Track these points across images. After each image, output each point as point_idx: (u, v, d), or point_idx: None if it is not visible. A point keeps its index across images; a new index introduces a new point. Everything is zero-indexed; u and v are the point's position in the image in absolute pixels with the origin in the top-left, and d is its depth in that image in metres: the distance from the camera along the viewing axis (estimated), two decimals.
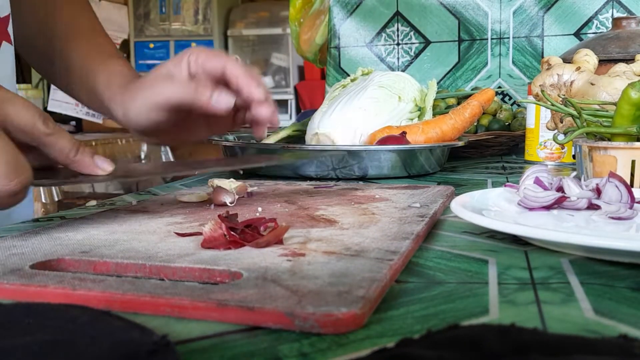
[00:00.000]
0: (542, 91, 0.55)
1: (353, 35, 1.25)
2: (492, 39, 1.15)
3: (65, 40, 0.57)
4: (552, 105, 0.55)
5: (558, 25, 1.10)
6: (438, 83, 1.16)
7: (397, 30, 1.22)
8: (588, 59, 0.61)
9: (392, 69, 1.22)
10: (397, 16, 1.22)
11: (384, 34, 1.23)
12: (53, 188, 1.67)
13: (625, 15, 1.03)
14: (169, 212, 0.43)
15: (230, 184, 0.47)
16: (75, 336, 0.19)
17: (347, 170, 0.64)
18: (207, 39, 3.36)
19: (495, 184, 0.61)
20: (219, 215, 0.33)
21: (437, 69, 1.19)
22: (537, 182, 0.43)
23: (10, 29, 0.54)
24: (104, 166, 0.39)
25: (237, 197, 0.46)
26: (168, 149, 2.74)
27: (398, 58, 1.22)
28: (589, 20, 1.08)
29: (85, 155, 0.39)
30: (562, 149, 0.79)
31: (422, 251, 0.34)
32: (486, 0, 1.15)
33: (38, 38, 0.59)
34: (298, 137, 0.83)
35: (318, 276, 0.26)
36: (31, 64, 0.63)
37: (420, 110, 0.76)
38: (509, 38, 1.14)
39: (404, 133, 0.67)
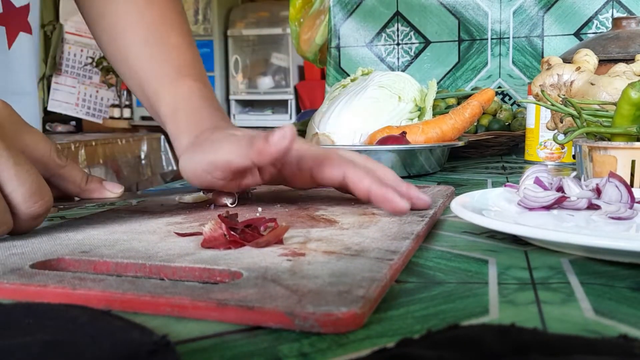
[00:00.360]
0: (542, 91, 0.55)
1: (353, 35, 1.25)
2: (492, 39, 1.15)
3: (126, 42, 0.48)
4: (552, 105, 0.55)
5: (558, 25, 1.10)
6: (438, 83, 1.16)
7: (397, 30, 1.22)
8: (588, 59, 0.61)
9: (392, 69, 1.22)
10: (397, 16, 1.22)
11: (384, 34, 1.23)
12: None
13: (625, 15, 1.03)
14: (169, 212, 0.43)
15: None
16: (75, 336, 0.19)
17: None
18: (207, 39, 3.36)
19: (495, 184, 0.61)
20: (219, 215, 0.33)
21: (437, 69, 1.19)
22: (537, 182, 0.43)
23: (31, 19, 0.51)
24: (114, 190, 0.40)
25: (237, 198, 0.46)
26: (168, 149, 2.74)
27: (398, 58, 1.22)
28: (589, 20, 1.08)
29: (94, 182, 0.40)
30: (562, 149, 0.79)
31: (422, 251, 0.34)
32: (486, 0, 1.15)
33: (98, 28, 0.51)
34: (298, 136, 0.83)
35: (318, 276, 0.26)
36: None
37: (420, 110, 0.76)
38: (509, 38, 1.14)
39: (404, 133, 0.67)
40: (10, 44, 0.51)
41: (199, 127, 0.44)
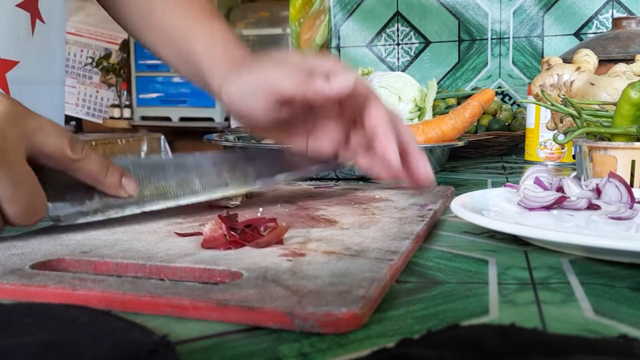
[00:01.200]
0: (542, 91, 0.55)
1: (353, 36, 1.25)
2: (492, 39, 1.15)
3: None
4: (552, 105, 0.55)
5: (558, 25, 1.10)
6: (438, 83, 1.16)
7: (397, 30, 1.22)
8: (588, 59, 0.61)
9: (392, 69, 1.22)
10: (397, 16, 1.22)
11: (384, 34, 1.23)
12: None
13: (625, 15, 1.03)
14: (169, 212, 0.43)
15: None
16: (75, 336, 0.19)
17: (347, 170, 0.64)
18: None
19: (495, 184, 0.61)
20: (219, 215, 0.33)
21: (437, 69, 1.19)
22: (537, 182, 0.43)
23: (43, 7, 0.50)
24: (128, 188, 0.38)
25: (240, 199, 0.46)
26: (168, 149, 2.74)
27: (398, 58, 1.22)
28: (589, 20, 1.08)
29: (113, 176, 0.37)
30: (562, 149, 0.79)
31: (422, 251, 0.34)
32: (486, 1, 1.15)
33: None
34: None
35: (318, 276, 0.26)
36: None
37: (420, 110, 0.76)
38: (509, 38, 1.14)
39: None
40: (32, 31, 0.50)
41: (240, 57, 0.43)
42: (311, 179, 0.64)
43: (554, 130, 0.62)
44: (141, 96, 2.79)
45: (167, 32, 0.49)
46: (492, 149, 0.92)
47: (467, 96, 0.92)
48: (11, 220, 0.32)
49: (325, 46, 1.29)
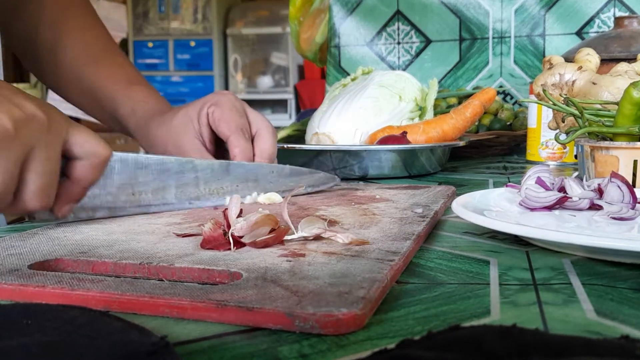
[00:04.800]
0: (544, 90, 0.55)
1: (353, 34, 1.24)
2: (493, 38, 1.15)
3: (79, 63, 0.59)
4: (554, 104, 0.54)
5: (560, 24, 1.10)
6: (439, 82, 1.16)
7: (398, 29, 1.22)
8: (590, 58, 0.60)
9: (393, 68, 1.22)
10: (398, 15, 1.22)
11: (384, 33, 1.23)
12: None
13: (627, 14, 1.02)
14: (167, 213, 0.43)
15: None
16: (74, 337, 0.19)
17: (347, 170, 0.64)
18: (206, 37, 3.36)
19: (496, 184, 0.61)
20: (223, 212, 0.33)
21: (438, 68, 1.19)
22: (539, 182, 0.43)
23: None
24: (61, 213, 0.38)
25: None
26: None
27: (399, 57, 1.22)
28: (591, 19, 1.08)
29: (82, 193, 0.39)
30: (564, 148, 0.79)
31: (423, 252, 0.34)
32: None
33: (46, 62, 0.61)
34: (298, 136, 0.83)
35: (318, 277, 0.25)
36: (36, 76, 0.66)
37: (421, 109, 0.75)
38: (510, 37, 1.14)
39: (404, 133, 0.66)
40: None
41: (158, 111, 0.55)
42: None
43: (555, 130, 0.62)
44: None
45: (95, 96, 0.60)
46: (493, 149, 0.92)
47: (468, 95, 0.92)
48: (25, 199, 0.33)
49: (325, 45, 1.29)
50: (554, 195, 0.40)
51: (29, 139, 0.32)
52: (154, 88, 0.60)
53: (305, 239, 0.33)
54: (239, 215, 0.32)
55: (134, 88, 0.57)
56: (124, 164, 0.41)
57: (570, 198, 0.40)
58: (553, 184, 0.43)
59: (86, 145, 0.36)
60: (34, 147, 0.32)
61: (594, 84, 0.56)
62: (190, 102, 0.54)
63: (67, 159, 0.36)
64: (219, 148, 0.53)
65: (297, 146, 0.68)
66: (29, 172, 0.33)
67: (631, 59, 0.64)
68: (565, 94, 0.56)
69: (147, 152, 0.54)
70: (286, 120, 3.18)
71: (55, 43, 0.59)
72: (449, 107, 0.90)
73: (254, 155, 0.51)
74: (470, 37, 1.16)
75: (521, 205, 0.41)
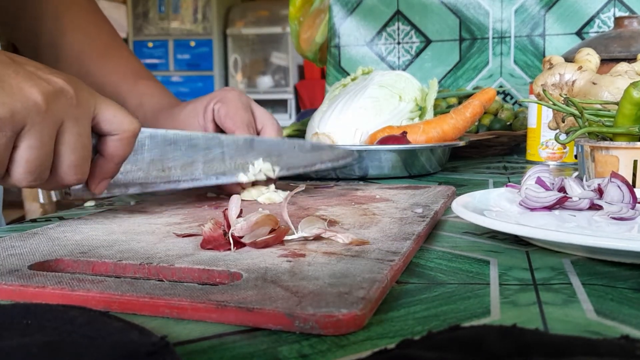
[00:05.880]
0: (544, 90, 0.55)
1: (353, 34, 1.24)
2: (493, 38, 1.15)
3: (84, 58, 0.59)
4: (554, 104, 0.54)
5: (560, 24, 1.10)
6: (439, 82, 1.16)
7: (398, 29, 1.22)
8: (590, 58, 0.60)
9: (393, 68, 1.22)
10: (398, 15, 1.22)
11: (384, 33, 1.23)
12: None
13: (627, 14, 1.02)
14: (167, 213, 0.43)
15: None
16: (74, 337, 0.19)
17: (347, 170, 0.64)
18: (206, 38, 3.36)
19: (496, 184, 0.61)
20: (223, 212, 0.33)
21: (438, 68, 1.19)
22: (539, 182, 0.43)
23: None
24: (98, 189, 0.40)
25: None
26: None
27: (399, 57, 1.22)
28: (591, 19, 1.08)
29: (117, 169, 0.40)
30: (564, 148, 0.79)
31: (423, 252, 0.34)
32: None
33: (48, 56, 0.61)
34: (298, 136, 0.83)
35: (318, 277, 0.25)
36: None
37: (421, 109, 0.75)
38: (510, 37, 1.14)
39: (404, 133, 0.66)
40: None
41: (166, 105, 0.55)
42: (311, 179, 0.64)
43: (555, 130, 0.62)
44: None
45: (100, 90, 0.64)
46: (493, 149, 0.92)
47: (468, 95, 0.92)
48: (61, 174, 0.34)
49: (325, 45, 1.29)
50: (554, 195, 0.40)
51: (59, 113, 0.32)
52: (160, 82, 0.61)
53: (305, 239, 0.33)
54: (239, 216, 0.32)
55: (140, 82, 0.58)
56: (153, 140, 0.42)
57: (570, 198, 0.40)
58: (553, 184, 0.43)
59: (115, 120, 0.36)
60: (64, 121, 0.33)
61: (594, 84, 0.56)
62: (198, 97, 0.55)
63: (98, 136, 0.37)
64: None
65: None
66: (63, 146, 0.33)
67: (631, 59, 0.64)
68: (565, 94, 0.56)
69: None
70: (286, 120, 3.18)
71: (59, 38, 0.59)
72: (449, 107, 0.90)
73: None
74: (470, 37, 1.16)
75: (521, 205, 0.41)
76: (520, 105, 1.06)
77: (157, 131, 0.43)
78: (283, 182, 0.57)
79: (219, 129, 0.53)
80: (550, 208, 0.40)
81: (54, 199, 1.39)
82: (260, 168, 0.48)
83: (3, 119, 0.30)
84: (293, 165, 0.49)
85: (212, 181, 0.45)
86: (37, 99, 0.31)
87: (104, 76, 0.58)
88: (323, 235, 0.32)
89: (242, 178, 0.47)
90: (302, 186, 0.49)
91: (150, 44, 3.44)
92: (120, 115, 0.36)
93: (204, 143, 0.45)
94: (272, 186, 0.49)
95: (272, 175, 0.48)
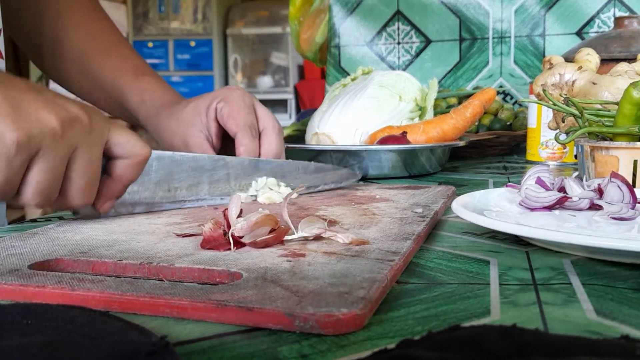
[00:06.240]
0: (544, 90, 0.55)
1: (353, 34, 1.24)
2: (493, 38, 1.15)
3: (86, 56, 0.59)
4: (554, 104, 0.54)
5: (560, 24, 1.10)
6: (439, 82, 1.16)
7: (398, 29, 1.22)
8: (590, 58, 0.60)
9: (393, 68, 1.22)
10: (398, 15, 1.22)
11: (384, 33, 1.23)
12: None
13: (627, 14, 1.02)
14: (167, 213, 0.43)
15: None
16: (74, 337, 0.19)
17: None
18: (206, 38, 3.36)
19: (496, 184, 0.61)
20: (223, 212, 0.33)
21: (438, 68, 1.19)
22: (539, 182, 0.43)
23: (0, 44, 0.55)
24: (103, 209, 0.40)
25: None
26: None
27: (399, 57, 1.22)
28: (591, 19, 1.08)
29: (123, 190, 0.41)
30: (564, 149, 0.79)
31: (423, 252, 0.34)
32: None
33: (50, 55, 0.61)
34: (298, 136, 0.83)
35: (318, 277, 0.25)
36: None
37: (421, 109, 0.75)
38: (510, 37, 1.14)
39: (404, 133, 0.66)
40: None
41: (167, 103, 0.55)
42: None
43: (555, 130, 0.62)
44: None
45: (104, 88, 0.60)
46: (493, 149, 0.92)
47: (468, 95, 0.92)
48: (69, 197, 0.35)
49: (325, 45, 1.29)
50: (554, 195, 0.40)
51: (73, 139, 0.33)
52: (162, 78, 0.61)
53: (306, 239, 0.33)
54: (239, 216, 0.32)
55: (142, 78, 0.58)
56: (160, 162, 0.43)
57: (570, 198, 0.40)
58: (553, 184, 0.43)
59: (127, 145, 0.37)
60: (77, 147, 0.34)
61: (594, 84, 0.56)
62: (201, 95, 0.55)
63: (108, 157, 0.37)
64: (228, 142, 0.54)
65: (297, 146, 0.68)
66: (73, 172, 0.34)
67: (631, 59, 0.64)
68: (565, 94, 0.56)
69: (157, 143, 0.56)
70: (286, 120, 3.18)
71: (61, 36, 0.60)
72: (449, 107, 0.90)
73: (259, 153, 0.51)
74: (470, 37, 1.16)
75: (521, 205, 0.41)
76: (520, 105, 1.06)
77: (164, 153, 0.44)
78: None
79: (221, 128, 0.53)
80: (550, 208, 0.40)
81: None
82: (265, 183, 0.48)
83: (20, 143, 0.31)
84: (296, 186, 0.50)
85: (217, 201, 0.46)
86: (54, 124, 0.32)
87: (106, 73, 0.58)
88: (323, 235, 0.32)
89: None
90: (302, 186, 0.49)
91: (150, 44, 3.44)
92: (133, 140, 0.37)
93: (209, 164, 0.46)
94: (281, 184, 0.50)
95: (277, 189, 0.49)
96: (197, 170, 0.45)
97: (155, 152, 0.42)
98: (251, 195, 0.48)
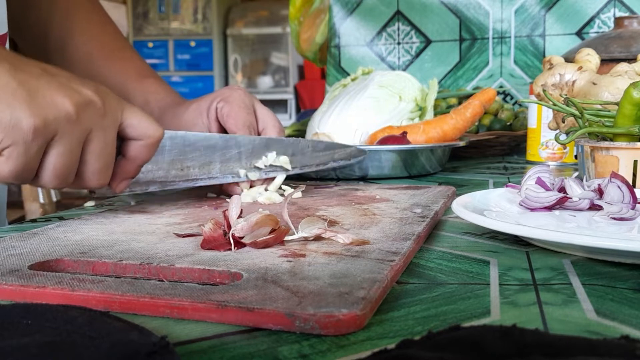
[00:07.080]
0: (544, 91, 0.55)
1: (353, 34, 1.24)
2: (493, 38, 1.15)
3: (91, 59, 0.60)
4: (554, 105, 0.54)
5: (560, 24, 1.10)
6: (439, 82, 1.16)
7: (398, 29, 1.22)
8: (590, 58, 0.60)
9: (393, 69, 1.22)
10: (398, 15, 1.22)
11: (384, 33, 1.23)
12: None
13: (627, 14, 1.02)
14: (168, 213, 0.43)
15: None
16: (74, 337, 0.19)
17: (347, 171, 0.64)
18: (206, 38, 3.36)
19: (496, 185, 0.61)
20: (223, 212, 0.33)
21: (438, 68, 1.19)
22: (539, 182, 0.43)
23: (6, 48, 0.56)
24: (119, 188, 0.41)
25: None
26: None
27: (399, 57, 1.22)
28: (591, 19, 1.08)
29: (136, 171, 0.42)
30: (564, 149, 0.79)
31: (423, 252, 0.34)
32: None
33: (55, 58, 0.62)
34: (298, 137, 0.83)
35: (318, 277, 0.25)
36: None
37: (421, 109, 0.75)
38: (510, 37, 1.14)
39: (404, 133, 0.66)
40: None
41: (170, 104, 0.56)
42: (311, 179, 0.64)
43: (555, 130, 0.62)
44: None
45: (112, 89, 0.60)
46: (493, 149, 0.92)
47: (469, 96, 0.92)
48: (85, 179, 0.36)
49: (326, 45, 1.29)
50: (554, 196, 0.40)
51: (88, 123, 0.34)
52: (164, 80, 0.62)
53: (306, 239, 0.33)
54: (239, 216, 0.32)
55: (146, 80, 0.59)
56: (173, 142, 0.44)
57: (570, 198, 0.40)
58: (553, 184, 0.43)
59: (140, 127, 0.38)
60: (92, 130, 0.35)
61: (594, 84, 0.56)
62: (203, 95, 0.56)
63: (122, 139, 0.38)
64: None
65: None
66: (89, 154, 0.35)
67: (631, 59, 0.64)
68: (565, 94, 0.56)
69: None
70: (286, 120, 3.18)
71: (66, 40, 0.60)
72: (449, 107, 0.90)
73: None
74: (471, 37, 1.16)
75: (521, 205, 0.41)
76: (520, 105, 1.06)
77: (177, 133, 0.45)
78: (284, 182, 0.57)
79: (222, 128, 0.53)
80: (550, 208, 0.40)
81: (54, 199, 1.39)
82: (275, 160, 0.49)
83: (37, 129, 0.32)
84: (307, 164, 0.51)
85: (229, 179, 0.47)
86: (69, 109, 0.33)
87: (110, 76, 0.59)
88: (323, 235, 0.32)
89: (253, 176, 0.48)
90: (302, 186, 0.49)
91: (150, 44, 3.44)
92: (146, 122, 0.38)
93: (221, 143, 0.47)
94: (280, 179, 0.50)
95: (289, 167, 0.50)
96: (209, 149, 0.46)
97: (168, 132, 0.43)
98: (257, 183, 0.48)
